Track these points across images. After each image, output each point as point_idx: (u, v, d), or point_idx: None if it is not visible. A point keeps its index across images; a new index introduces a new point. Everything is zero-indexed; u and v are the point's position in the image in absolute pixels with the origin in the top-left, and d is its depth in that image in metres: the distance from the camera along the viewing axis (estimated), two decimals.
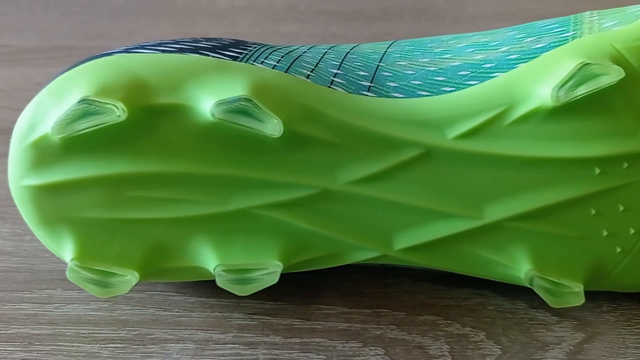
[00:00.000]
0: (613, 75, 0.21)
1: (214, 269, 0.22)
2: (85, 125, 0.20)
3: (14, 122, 0.22)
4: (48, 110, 0.21)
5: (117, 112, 0.20)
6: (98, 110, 0.20)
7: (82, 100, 0.20)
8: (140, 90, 0.21)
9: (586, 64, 0.21)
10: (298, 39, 0.49)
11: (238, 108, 0.20)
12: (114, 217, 0.22)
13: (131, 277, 0.22)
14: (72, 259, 0.22)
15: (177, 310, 0.25)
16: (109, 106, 0.20)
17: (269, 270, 0.22)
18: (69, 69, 0.22)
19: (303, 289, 0.25)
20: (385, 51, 0.24)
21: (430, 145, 0.22)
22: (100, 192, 0.21)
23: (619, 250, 0.23)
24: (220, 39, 0.24)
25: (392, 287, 0.26)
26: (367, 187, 0.22)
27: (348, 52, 0.24)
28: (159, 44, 0.23)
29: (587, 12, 0.24)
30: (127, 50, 0.22)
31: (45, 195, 0.22)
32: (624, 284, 0.24)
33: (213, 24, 0.51)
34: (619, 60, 0.21)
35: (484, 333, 0.24)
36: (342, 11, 0.55)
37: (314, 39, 0.49)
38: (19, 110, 0.23)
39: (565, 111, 0.21)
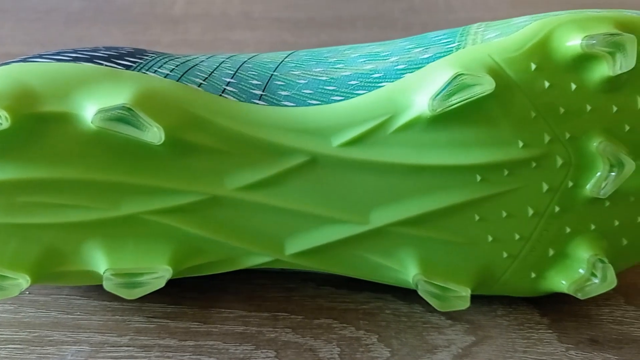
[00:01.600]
0: (485, 85, 0.21)
1: (103, 273, 0.22)
2: None
3: None
4: None
5: (0, 120, 0.21)
6: None
7: None
8: (27, 98, 0.21)
9: (459, 75, 0.21)
10: (248, 46, 0.50)
11: (117, 116, 0.21)
12: (6, 222, 0.22)
13: (22, 281, 0.22)
14: None
15: (79, 313, 0.25)
16: None
17: (158, 274, 0.23)
18: None
19: (206, 293, 0.26)
20: (282, 61, 0.25)
21: (316, 152, 0.22)
22: None
23: (505, 255, 0.24)
24: (121, 48, 0.25)
25: (294, 292, 0.26)
26: (255, 193, 0.23)
27: (245, 61, 0.25)
28: (57, 53, 0.23)
29: (476, 24, 0.24)
30: (24, 60, 0.23)
31: None
32: (515, 289, 0.25)
33: (165, 31, 0.52)
34: (495, 71, 0.22)
35: (377, 336, 0.24)
36: (296, 19, 0.55)
37: (263, 46, 0.50)
38: None
39: (445, 120, 0.22)
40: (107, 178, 0.22)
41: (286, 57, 0.25)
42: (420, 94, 0.22)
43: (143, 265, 0.23)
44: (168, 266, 0.23)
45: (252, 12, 0.57)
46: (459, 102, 0.21)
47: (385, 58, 0.24)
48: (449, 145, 0.22)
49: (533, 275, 0.24)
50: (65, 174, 0.22)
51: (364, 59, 0.24)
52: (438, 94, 0.21)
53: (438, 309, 0.23)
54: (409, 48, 0.24)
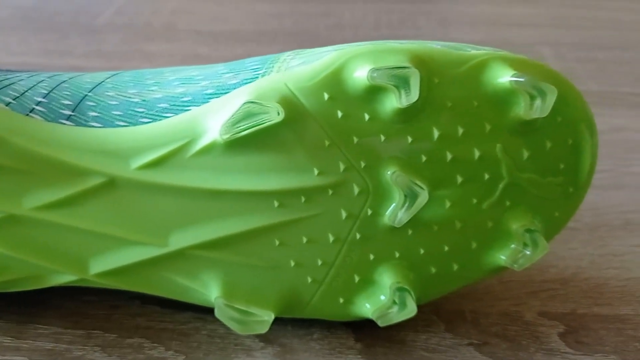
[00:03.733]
0: (272, 114, 0.21)
1: None
2: None
3: None
4: None
5: None
6: None
7: None
8: None
9: (247, 103, 0.21)
10: (160, 58, 0.50)
11: None
12: None
13: None
14: None
15: None
16: None
17: None
18: None
19: (29, 308, 0.26)
20: (102, 81, 0.25)
21: (113, 174, 0.23)
22: None
23: (310, 280, 0.24)
24: None
25: (117, 309, 0.26)
26: (53, 213, 0.23)
27: (64, 81, 0.25)
28: None
29: (289, 52, 0.24)
30: None
31: None
32: (327, 313, 0.25)
33: (82, 41, 0.52)
34: (289, 99, 0.22)
35: (184, 357, 0.24)
36: (217, 32, 0.56)
37: (175, 59, 0.50)
38: None
39: (241, 146, 0.22)
40: None
41: (108, 77, 0.25)
42: (216, 119, 0.22)
43: None
44: None
45: (177, 23, 0.57)
46: (245, 130, 0.21)
47: (197, 82, 0.24)
48: (246, 170, 0.22)
49: (341, 300, 0.24)
50: None
51: (178, 82, 0.24)
52: (228, 121, 0.22)
53: (237, 332, 0.24)
54: (222, 73, 0.24)
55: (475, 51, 0.23)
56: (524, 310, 0.27)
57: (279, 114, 0.21)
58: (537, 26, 0.60)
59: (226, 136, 0.22)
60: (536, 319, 0.27)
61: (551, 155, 0.24)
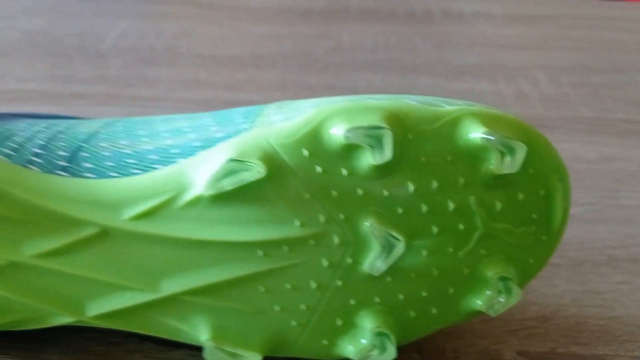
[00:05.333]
0: (253, 172, 0.23)
1: None
2: None
3: None
4: None
5: None
6: None
7: None
8: None
9: (231, 160, 0.23)
10: (161, 83, 0.52)
11: None
12: None
13: None
14: None
15: None
16: None
17: None
18: None
19: (34, 344, 0.27)
20: (96, 132, 0.26)
21: (106, 225, 0.24)
22: None
23: (294, 324, 0.25)
24: None
25: (116, 346, 0.28)
26: (50, 260, 0.24)
27: (60, 131, 0.26)
28: None
29: (272, 104, 0.26)
30: None
31: None
32: (312, 353, 0.26)
33: (86, 66, 0.54)
34: (271, 155, 0.23)
35: None
36: (217, 56, 0.57)
37: (174, 85, 0.51)
38: None
39: (226, 199, 0.23)
40: None
41: (102, 127, 0.26)
42: (201, 173, 0.23)
43: None
44: None
45: (179, 47, 0.58)
46: (230, 186, 0.23)
47: (185, 134, 0.25)
48: (231, 222, 0.24)
49: (325, 342, 0.25)
50: None
51: (168, 134, 0.25)
52: (211, 177, 0.23)
53: None
54: (208, 125, 0.25)
55: (449, 107, 0.24)
56: (503, 349, 0.28)
57: (259, 171, 0.23)
58: (533, 48, 0.61)
59: (210, 192, 0.23)
60: (515, 358, 0.28)
61: (524, 206, 0.25)
